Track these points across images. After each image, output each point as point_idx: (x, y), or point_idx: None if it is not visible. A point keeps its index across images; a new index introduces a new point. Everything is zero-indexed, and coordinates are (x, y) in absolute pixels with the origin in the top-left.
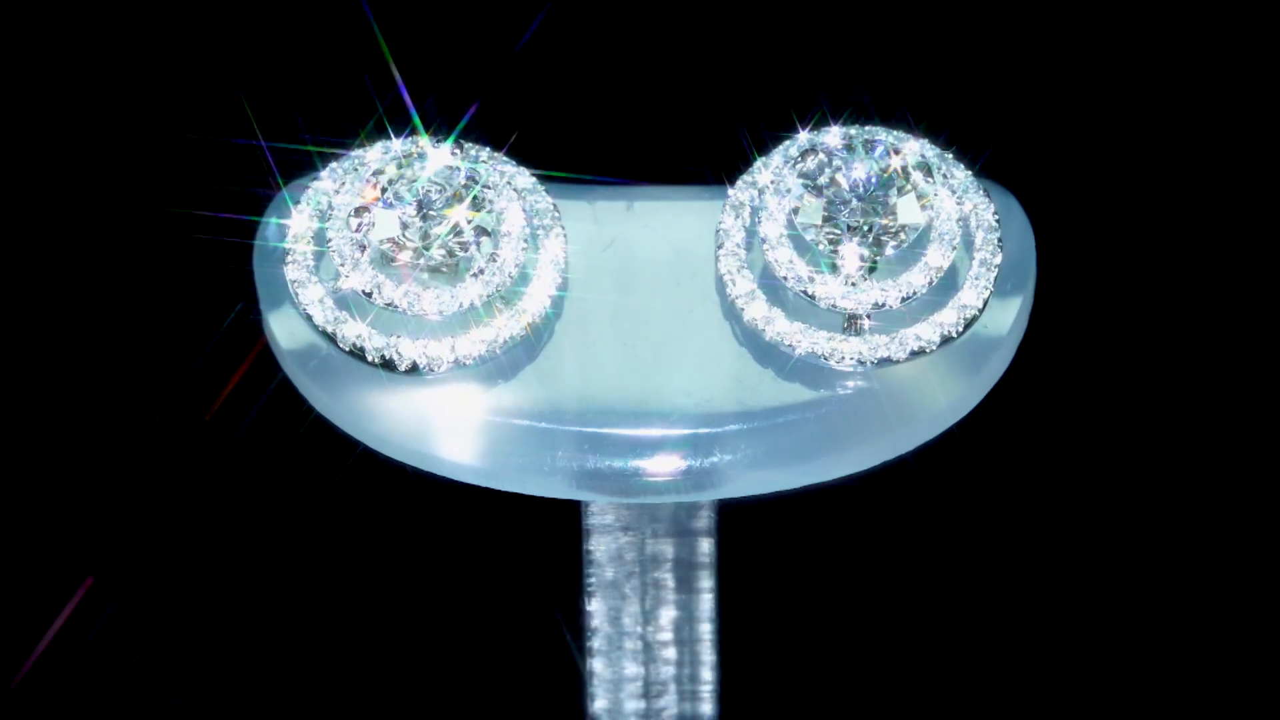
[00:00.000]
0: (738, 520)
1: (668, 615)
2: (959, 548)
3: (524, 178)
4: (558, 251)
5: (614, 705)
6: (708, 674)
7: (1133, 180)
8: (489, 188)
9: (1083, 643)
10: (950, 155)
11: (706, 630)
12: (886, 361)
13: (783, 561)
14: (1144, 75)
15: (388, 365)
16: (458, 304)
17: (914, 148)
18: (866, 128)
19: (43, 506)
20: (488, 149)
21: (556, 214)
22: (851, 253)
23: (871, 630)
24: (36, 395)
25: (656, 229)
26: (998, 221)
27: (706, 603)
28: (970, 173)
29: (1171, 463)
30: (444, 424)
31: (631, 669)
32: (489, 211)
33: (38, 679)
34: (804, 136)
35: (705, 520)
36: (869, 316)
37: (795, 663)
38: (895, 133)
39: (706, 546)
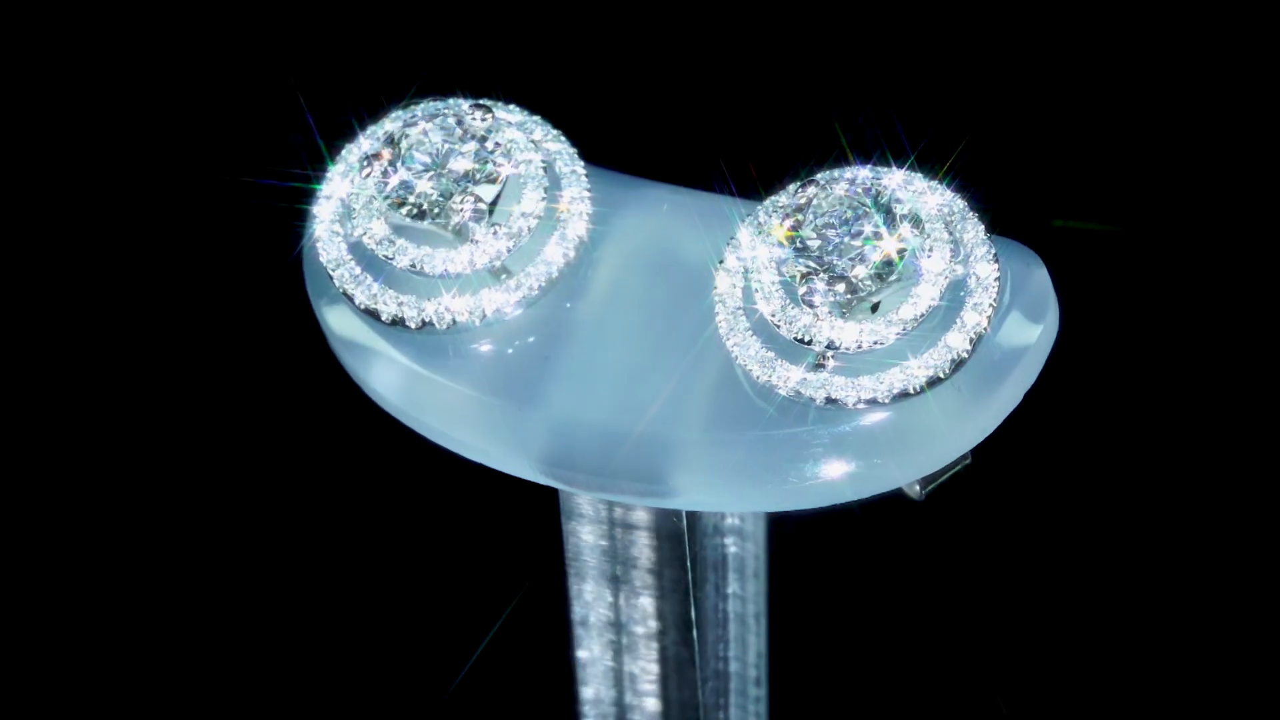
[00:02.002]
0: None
1: (644, 608)
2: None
3: (566, 160)
4: (573, 236)
5: (598, 695)
6: (692, 673)
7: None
8: (503, 161)
9: (1100, 650)
10: (970, 211)
11: (689, 629)
12: (833, 403)
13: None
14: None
15: (371, 314)
16: (443, 269)
17: (928, 200)
18: (867, 170)
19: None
20: (546, 127)
21: (586, 199)
22: (818, 289)
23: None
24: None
25: (689, 232)
26: (996, 282)
27: (686, 603)
28: (981, 228)
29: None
30: (418, 385)
31: (615, 660)
32: (492, 182)
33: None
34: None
35: (682, 523)
36: (831, 356)
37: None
38: (902, 176)
39: (684, 548)
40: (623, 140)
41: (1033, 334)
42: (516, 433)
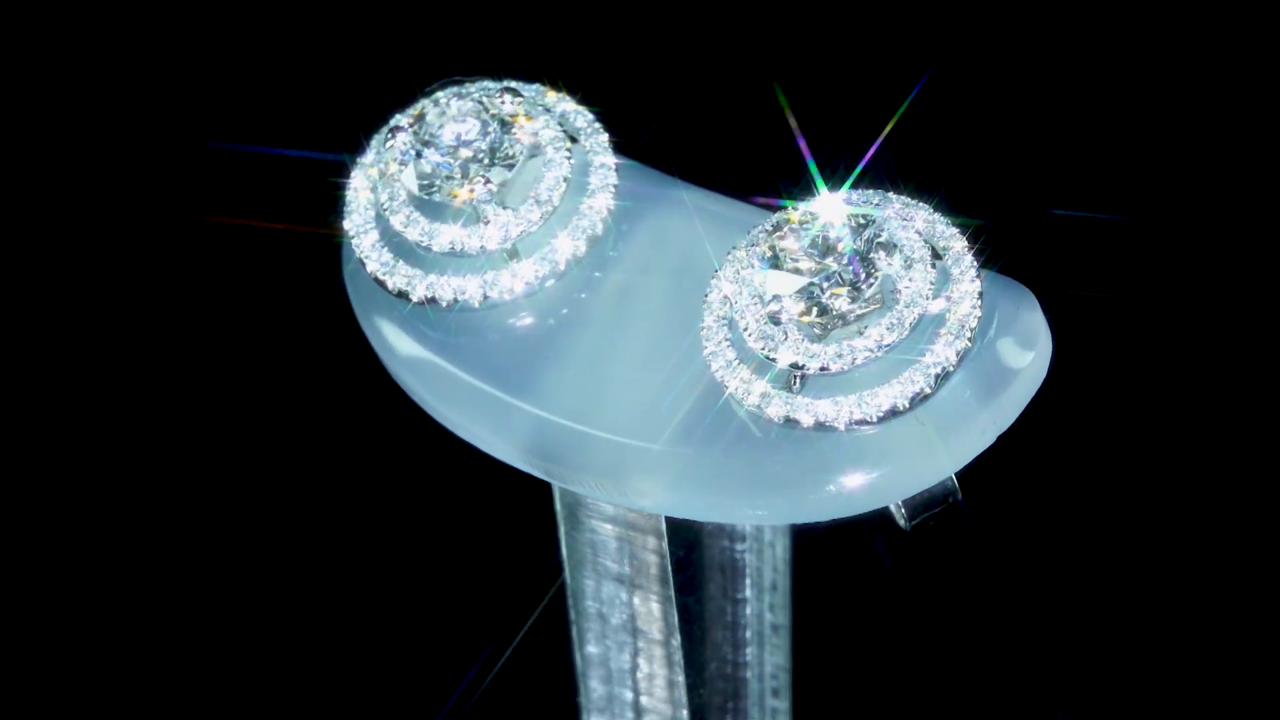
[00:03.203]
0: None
1: (638, 608)
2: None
3: (599, 151)
4: (587, 228)
5: (594, 691)
6: (679, 675)
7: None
8: (522, 145)
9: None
10: (964, 244)
11: (672, 632)
12: (792, 423)
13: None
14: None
15: (379, 283)
16: (449, 246)
17: (919, 230)
18: (860, 194)
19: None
20: (588, 117)
21: (609, 192)
22: (787, 308)
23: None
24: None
25: (709, 238)
26: (976, 321)
27: (670, 604)
28: (972, 261)
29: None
30: (414, 362)
31: (616, 656)
32: (509, 165)
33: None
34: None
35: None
36: (798, 377)
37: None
38: (900, 204)
39: (666, 552)
40: (675, 138)
41: (1013, 372)
42: (503, 417)
